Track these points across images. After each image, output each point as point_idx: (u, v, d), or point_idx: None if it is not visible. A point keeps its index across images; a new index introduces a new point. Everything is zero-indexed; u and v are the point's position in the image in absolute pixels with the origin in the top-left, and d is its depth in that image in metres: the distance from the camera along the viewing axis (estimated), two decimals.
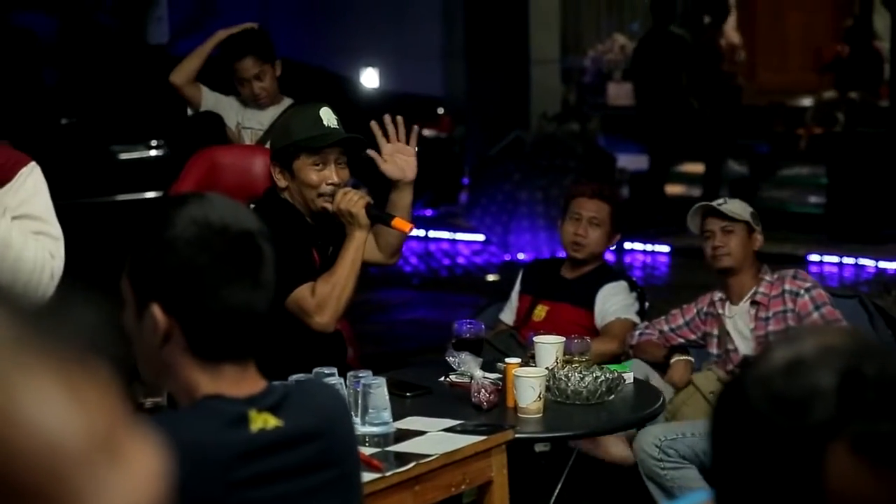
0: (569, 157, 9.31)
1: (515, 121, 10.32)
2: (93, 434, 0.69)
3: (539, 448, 4.36)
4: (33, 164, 3.01)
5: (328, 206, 3.45)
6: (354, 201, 3.40)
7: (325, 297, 3.36)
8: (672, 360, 4.22)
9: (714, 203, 4.21)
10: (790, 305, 4.07)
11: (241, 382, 1.85)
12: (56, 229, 3.00)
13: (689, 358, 4.24)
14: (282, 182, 3.50)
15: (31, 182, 2.97)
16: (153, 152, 9.30)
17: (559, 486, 4.15)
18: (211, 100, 5.10)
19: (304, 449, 1.88)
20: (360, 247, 3.43)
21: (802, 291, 4.08)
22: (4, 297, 0.70)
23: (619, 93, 11.52)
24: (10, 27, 11.73)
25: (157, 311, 1.80)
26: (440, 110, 10.05)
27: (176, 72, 5.09)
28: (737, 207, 4.19)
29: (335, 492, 1.92)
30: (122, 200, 9.08)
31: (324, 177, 3.45)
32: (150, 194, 8.88)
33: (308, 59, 9.94)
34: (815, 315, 4.03)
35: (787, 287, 4.11)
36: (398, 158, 3.63)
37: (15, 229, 2.91)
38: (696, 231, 4.25)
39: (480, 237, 9.64)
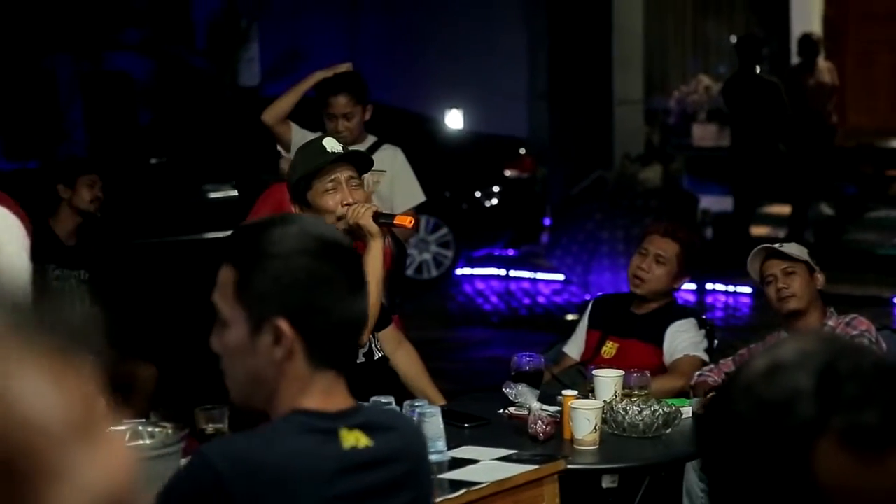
0: (650, 197, 9.31)
1: (598, 161, 10.34)
2: (69, 417, 0.75)
3: (606, 484, 4.36)
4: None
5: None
6: (361, 213, 3.39)
7: None
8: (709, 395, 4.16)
9: (773, 245, 4.17)
10: None
11: (334, 396, 1.87)
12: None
13: None
14: None
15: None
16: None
17: None
18: (299, 137, 5.16)
19: (391, 468, 1.92)
20: (377, 256, 3.41)
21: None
22: None
23: (704, 134, 11.47)
24: (106, 70, 12.08)
25: (284, 326, 1.80)
26: (522, 151, 10.11)
27: (268, 111, 5.13)
28: (795, 249, 4.15)
29: None
30: (210, 238, 9.28)
31: (339, 200, 3.42)
32: None
33: (394, 101, 10.09)
34: None
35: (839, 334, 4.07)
36: None
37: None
38: (756, 277, 4.18)
39: (561, 277, 9.65)
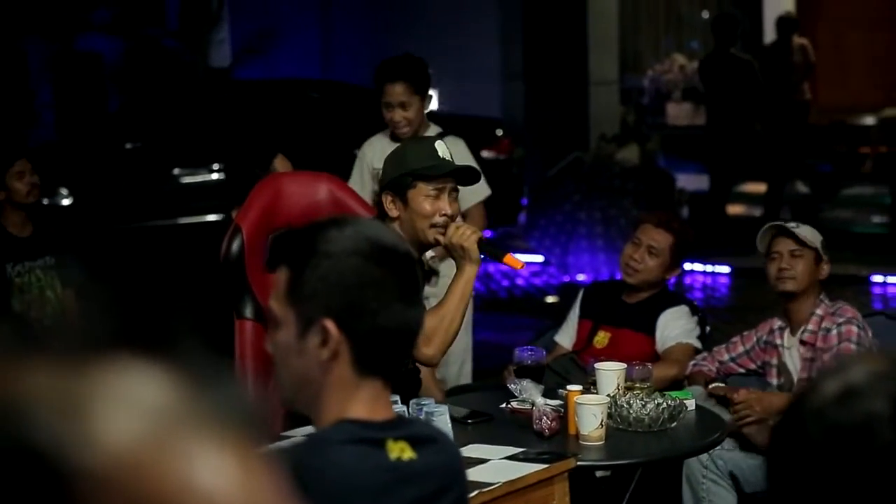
0: (627, 177, 9.31)
1: (574, 142, 10.33)
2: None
3: (600, 473, 4.36)
4: None
5: (440, 237, 3.38)
6: (467, 236, 3.35)
7: (433, 330, 3.31)
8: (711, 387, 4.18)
9: (788, 225, 4.16)
10: (821, 344, 4.02)
11: (379, 405, 1.86)
12: None
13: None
14: (393, 212, 3.42)
15: None
16: (215, 176, 9.42)
17: None
18: (357, 180, 4.90)
19: (430, 483, 1.90)
20: (469, 280, 3.39)
21: (833, 328, 4.04)
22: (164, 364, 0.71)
23: (679, 113, 11.49)
24: (77, 51, 11.94)
25: (331, 326, 1.80)
26: (499, 132, 10.08)
27: None
28: (808, 233, 4.13)
29: None
30: (184, 223, 9.20)
31: (438, 207, 3.37)
32: (212, 217, 8.99)
33: (366, 81, 10.03)
34: (835, 349, 3.98)
35: (825, 325, 4.07)
36: None
37: None
38: (763, 250, 4.19)
39: (539, 258, 9.65)
